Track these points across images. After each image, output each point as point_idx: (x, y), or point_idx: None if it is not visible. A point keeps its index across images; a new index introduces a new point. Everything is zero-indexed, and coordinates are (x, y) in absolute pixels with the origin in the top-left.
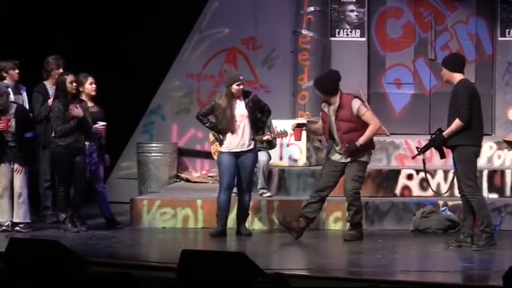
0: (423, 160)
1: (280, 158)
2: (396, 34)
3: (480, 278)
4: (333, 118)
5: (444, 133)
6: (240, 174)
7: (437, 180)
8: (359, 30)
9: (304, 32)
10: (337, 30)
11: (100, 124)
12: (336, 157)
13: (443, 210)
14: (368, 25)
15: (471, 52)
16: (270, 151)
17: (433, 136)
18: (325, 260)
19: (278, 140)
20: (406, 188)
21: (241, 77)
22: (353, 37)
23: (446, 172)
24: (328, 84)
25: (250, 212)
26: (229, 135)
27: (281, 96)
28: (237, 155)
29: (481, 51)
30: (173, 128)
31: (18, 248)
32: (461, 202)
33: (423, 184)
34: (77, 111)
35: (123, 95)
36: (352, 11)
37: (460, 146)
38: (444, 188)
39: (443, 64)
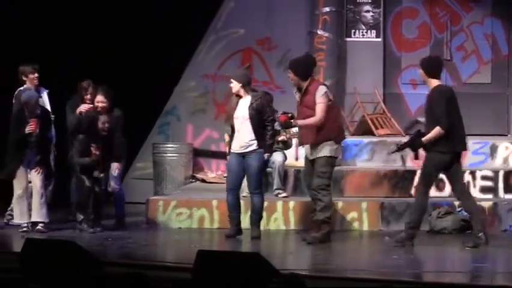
0: (402, 156)
1: (296, 159)
2: (411, 34)
3: (495, 278)
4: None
5: (424, 139)
6: (246, 175)
7: None
8: (374, 31)
9: (319, 32)
10: (352, 30)
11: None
12: (306, 151)
13: (459, 211)
14: (383, 25)
15: (487, 52)
16: (285, 152)
17: (412, 137)
18: (341, 261)
19: (294, 141)
20: None
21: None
22: (369, 37)
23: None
24: (302, 67)
25: (265, 213)
26: (234, 135)
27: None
28: (242, 155)
29: (496, 52)
30: (188, 129)
31: (34, 248)
32: (477, 203)
33: (439, 185)
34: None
35: (138, 96)
36: (368, 11)
37: (432, 153)
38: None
39: (420, 64)
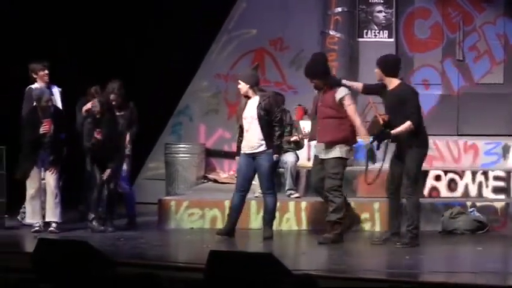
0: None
1: (308, 159)
2: (424, 35)
3: (507, 278)
4: (320, 102)
5: (393, 132)
6: (258, 176)
7: (465, 181)
8: (386, 31)
9: (331, 32)
10: (365, 30)
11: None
12: (317, 150)
13: (471, 211)
14: (395, 26)
15: (499, 52)
16: (298, 152)
17: (380, 129)
18: (353, 261)
19: (306, 141)
20: (434, 188)
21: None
22: (381, 38)
23: (474, 173)
24: (318, 68)
25: (277, 213)
26: (244, 135)
27: (309, 97)
28: (252, 156)
29: (509, 52)
30: (201, 129)
31: (47, 248)
32: (489, 203)
33: (451, 185)
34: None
35: (151, 96)
36: (380, 11)
37: (416, 148)
38: (473, 189)
39: (377, 63)
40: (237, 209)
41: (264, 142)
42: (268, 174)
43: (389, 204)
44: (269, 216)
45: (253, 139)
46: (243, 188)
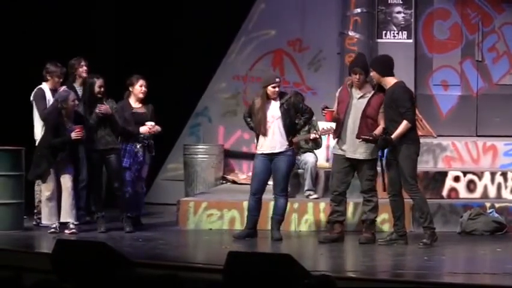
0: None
1: (327, 160)
2: (443, 35)
3: None
4: (356, 100)
5: (393, 136)
6: (274, 177)
7: (484, 183)
8: (405, 32)
9: (350, 33)
10: (384, 31)
11: (148, 125)
12: (344, 151)
13: (490, 212)
14: (415, 26)
15: None
16: (316, 152)
17: (381, 136)
18: (372, 262)
19: (325, 142)
20: (453, 189)
21: (277, 79)
22: (400, 39)
23: (493, 174)
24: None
25: (296, 214)
26: (260, 136)
27: (328, 98)
28: (270, 158)
29: None
30: (219, 130)
31: (65, 249)
32: (508, 204)
33: (470, 186)
34: (104, 107)
35: (170, 97)
36: (399, 12)
37: (405, 145)
38: (492, 190)
39: (371, 66)
40: (255, 212)
41: (287, 142)
42: (286, 175)
43: (392, 206)
44: (279, 218)
45: (276, 139)
46: (259, 192)
